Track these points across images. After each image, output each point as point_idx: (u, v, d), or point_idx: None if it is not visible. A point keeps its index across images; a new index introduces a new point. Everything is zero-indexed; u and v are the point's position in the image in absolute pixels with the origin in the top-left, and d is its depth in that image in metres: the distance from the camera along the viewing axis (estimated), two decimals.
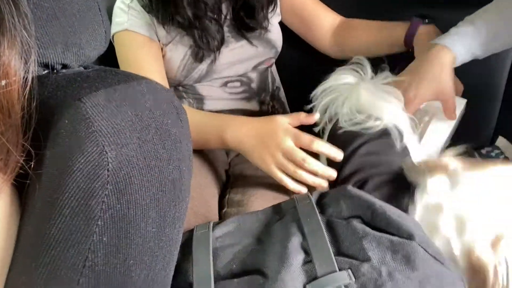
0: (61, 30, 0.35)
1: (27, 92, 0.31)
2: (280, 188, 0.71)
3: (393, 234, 0.48)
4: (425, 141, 0.75)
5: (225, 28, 0.87)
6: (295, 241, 0.50)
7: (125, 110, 0.34)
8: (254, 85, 0.94)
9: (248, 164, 0.78)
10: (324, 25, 0.93)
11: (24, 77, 0.31)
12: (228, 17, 0.87)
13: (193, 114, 0.77)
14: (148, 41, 0.82)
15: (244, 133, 0.71)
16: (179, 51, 0.84)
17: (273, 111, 0.97)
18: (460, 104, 0.76)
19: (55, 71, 0.37)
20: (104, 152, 0.31)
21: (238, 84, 0.92)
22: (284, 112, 1.01)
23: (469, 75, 0.77)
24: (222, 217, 0.69)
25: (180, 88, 0.90)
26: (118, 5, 0.84)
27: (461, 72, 0.75)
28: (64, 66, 0.38)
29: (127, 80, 0.37)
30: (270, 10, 0.88)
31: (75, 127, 0.32)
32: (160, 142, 0.35)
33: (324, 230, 0.50)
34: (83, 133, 0.31)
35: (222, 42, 0.84)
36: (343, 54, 0.92)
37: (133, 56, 0.82)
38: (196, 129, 0.69)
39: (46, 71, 0.37)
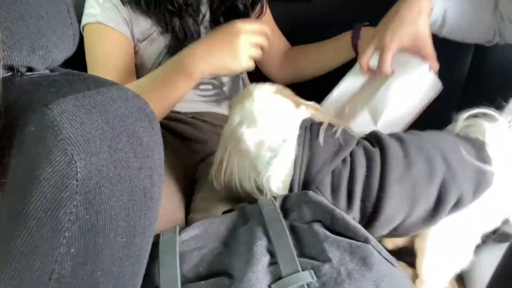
0: (27, 32, 0.34)
1: None
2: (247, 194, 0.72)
3: (351, 238, 0.51)
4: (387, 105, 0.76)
5: (202, 30, 0.86)
6: (261, 244, 0.51)
7: (95, 117, 0.33)
8: (226, 88, 0.94)
9: None
10: (276, 51, 0.97)
11: None
12: (206, 17, 0.87)
13: (148, 76, 0.75)
14: (119, 36, 0.80)
15: (202, 51, 0.71)
16: (154, 48, 0.82)
17: None
18: (436, 85, 0.77)
19: (19, 73, 0.36)
20: (73, 162, 0.30)
21: (210, 87, 0.92)
22: None
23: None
24: (188, 223, 0.68)
25: None
26: None
27: None
28: (30, 69, 0.36)
29: (96, 86, 0.36)
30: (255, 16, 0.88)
31: (42, 134, 0.31)
32: (132, 150, 0.35)
33: (288, 233, 0.52)
34: (51, 141, 0.30)
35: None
36: (294, 77, 0.97)
37: (102, 50, 0.79)
38: (159, 85, 0.71)
39: (10, 73, 0.35)
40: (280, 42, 0.99)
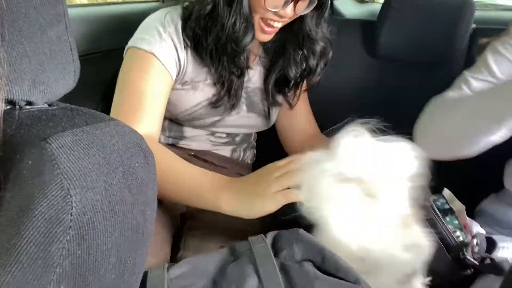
0: (30, 68, 0.35)
1: None
2: (238, 233, 0.71)
3: (341, 279, 0.51)
4: None
5: (243, 95, 0.88)
6: (251, 282, 0.50)
7: (93, 152, 0.33)
8: (238, 139, 0.96)
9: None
10: (299, 132, 1.00)
11: None
12: (250, 83, 0.89)
13: (188, 167, 0.70)
14: (166, 76, 0.77)
15: (236, 190, 0.66)
16: (197, 96, 0.82)
17: (243, 157, 1.00)
18: None
19: (18, 107, 0.36)
20: (69, 196, 0.31)
21: (224, 135, 0.93)
22: (252, 156, 1.05)
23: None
24: (177, 261, 0.67)
25: (166, 122, 0.89)
26: (155, 21, 0.78)
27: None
28: (29, 103, 0.37)
29: (94, 121, 0.37)
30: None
31: (39, 168, 0.31)
32: (126, 186, 0.35)
33: (279, 273, 0.52)
34: (48, 175, 0.31)
35: (234, 106, 0.85)
36: None
37: (144, 82, 0.74)
38: (185, 186, 0.66)
39: (9, 107, 0.36)
40: (306, 125, 1.00)
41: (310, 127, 1.01)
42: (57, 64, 0.38)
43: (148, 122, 0.72)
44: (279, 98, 0.93)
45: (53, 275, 0.29)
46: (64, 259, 0.30)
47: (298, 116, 0.98)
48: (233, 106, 0.84)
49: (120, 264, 0.35)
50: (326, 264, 0.53)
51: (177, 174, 0.67)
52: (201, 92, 0.82)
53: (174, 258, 0.68)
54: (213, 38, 0.75)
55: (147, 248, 0.38)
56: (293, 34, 0.83)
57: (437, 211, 0.72)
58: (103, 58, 1.15)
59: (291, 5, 0.72)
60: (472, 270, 0.70)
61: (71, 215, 0.30)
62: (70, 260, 0.30)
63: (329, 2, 0.83)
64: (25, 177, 0.30)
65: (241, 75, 0.82)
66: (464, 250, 0.68)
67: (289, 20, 0.76)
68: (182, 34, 0.77)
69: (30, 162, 0.31)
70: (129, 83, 0.75)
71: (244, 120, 0.90)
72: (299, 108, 0.97)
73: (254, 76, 0.90)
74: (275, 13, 0.73)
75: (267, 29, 0.76)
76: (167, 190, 0.65)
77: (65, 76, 0.39)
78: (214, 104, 0.82)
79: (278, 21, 0.75)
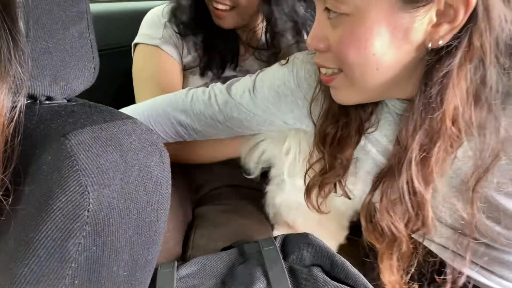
0: (51, 64, 0.35)
1: (12, 125, 0.30)
2: (246, 233, 0.71)
3: (350, 286, 0.51)
4: None
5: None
6: (260, 285, 0.50)
7: (111, 150, 0.34)
8: None
9: (216, 206, 0.78)
10: None
11: (11, 110, 0.30)
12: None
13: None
14: (173, 61, 0.86)
15: None
16: (195, 82, 0.87)
17: None
18: None
19: (38, 101, 0.37)
20: (86, 192, 0.31)
21: None
22: None
23: None
24: (186, 260, 0.67)
25: None
26: (153, 15, 0.88)
27: None
28: (48, 98, 0.37)
29: (113, 119, 0.37)
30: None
31: (58, 164, 0.31)
32: (142, 184, 0.35)
33: (287, 276, 0.52)
34: (67, 171, 0.31)
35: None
36: None
37: (156, 71, 0.84)
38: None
39: (29, 101, 0.36)
40: None
41: None
42: (78, 60, 0.38)
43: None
44: None
45: (69, 270, 0.30)
46: (80, 254, 0.30)
47: None
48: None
49: (132, 261, 0.35)
50: (335, 269, 0.53)
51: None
52: (199, 77, 0.88)
53: (182, 257, 0.68)
54: (188, 27, 0.84)
55: (159, 246, 0.39)
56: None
57: None
58: (114, 55, 1.16)
59: None
60: None
61: (88, 211, 0.31)
62: (86, 256, 0.31)
63: None
64: (45, 172, 0.31)
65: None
66: None
67: (231, 3, 0.80)
68: (173, 25, 0.86)
69: (49, 157, 0.31)
70: (145, 76, 0.83)
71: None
72: None
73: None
74: None
75: (216, 12, 0.81)
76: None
77: (84, 73, 0.39)
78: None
79: (220, 3, 0.80)
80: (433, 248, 0.58)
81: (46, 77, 0.35)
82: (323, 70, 0.51)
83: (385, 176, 0.50)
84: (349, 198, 0.59)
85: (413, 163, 0.45)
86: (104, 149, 0.33)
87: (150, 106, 0.71)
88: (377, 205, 0.52)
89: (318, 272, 0.52)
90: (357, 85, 0.47)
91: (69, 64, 0.37)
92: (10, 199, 0.30)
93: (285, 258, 0.56)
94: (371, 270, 0.65)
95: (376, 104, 0.54)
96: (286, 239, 0.60)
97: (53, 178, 0.30)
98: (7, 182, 0.30)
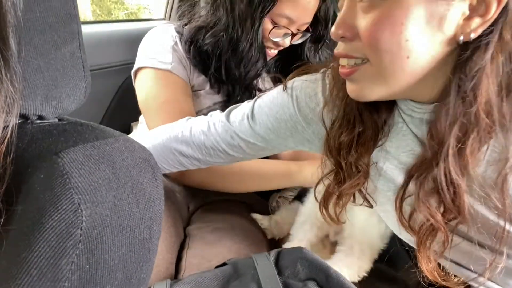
0: (43, 84, 0.36)
1: (4, 145, 0.30)
2: (239, 249, 0.71)
3: None
4: None
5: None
6: None
7: (103, 167, 0.34)
8: None
9: (207, 224, 0.78)
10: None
11: (3, 130, 0.30)
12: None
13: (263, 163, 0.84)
14: (185, 84, 0.86)
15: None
16: (202, 102, 0.88)
17: None
18: None
19: (30, 121, 0.37)
20: (79, 210, 0.31)
21: None
22: None
23: None
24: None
25: None
26: (157, 37, 0.88)
27: None
28: (40, 117, 0.37)
29: (104, 136, 0.37)
30: None
31: (50, 182, 0.31)
32: (135, 201, 0.35)
33: None
34: (59, 189, 0.31)
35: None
36: None
37: (168, 96, 0.83)
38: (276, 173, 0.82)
39: (21, 120, 0.36)
40: None
41: None
42: (69, 80, 0.38)
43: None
44: None
45: None
46: (73, 273, 0.30)
47: None
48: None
49: (125, 279, 0.34)
50: (330, 283, 0.52)
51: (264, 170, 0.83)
52: (205, 98, 0.89)
53: (176, 278, 0.67)
54: (223, 58, 0.84)
55: (152, 264, 0.38)
56: (293, 58, 0.93)
57: None
58: (107, 74, 1.17)
59: (289, 36, 0.84)
60: None
61: (81, 229, 0.30)
62: (79, 275, 0.30)
63: (326, 36, 0.92)
64: (37, 190, 0.31)
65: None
66: None
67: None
68: (184, 50, 0.86)
69: (42, 176, 0.31)
70: (158, 98, 0.83)
71: None
72: None
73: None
74: (274, 42, 0.85)
75: (269, 53, 0.87)
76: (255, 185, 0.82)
77: (76, 92, 0.39)
78: (224, 106, 0.88)
79: (275, 49, 0.88)
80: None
81: (37, 96, 0.36)
82: (343, 61, 0.50)
83: (418, 169, 0.50)
84: (371, 207, 0.59)
85: (450, 154, 0.46)
86: (96, 167, 0.33)
87: (151, 137, 0.71)
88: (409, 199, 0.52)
89: (313, 287, 0.52)
90: (382, 76, 0.46)
91: (61, 83, 0.37)
92: (2, 219, 0.29)
93: (280, 273, 0.56)
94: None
95: (390, 111, 0.54)
96: (280, 253, 0.59)
97: (45, 197, 0.30)
98: None
